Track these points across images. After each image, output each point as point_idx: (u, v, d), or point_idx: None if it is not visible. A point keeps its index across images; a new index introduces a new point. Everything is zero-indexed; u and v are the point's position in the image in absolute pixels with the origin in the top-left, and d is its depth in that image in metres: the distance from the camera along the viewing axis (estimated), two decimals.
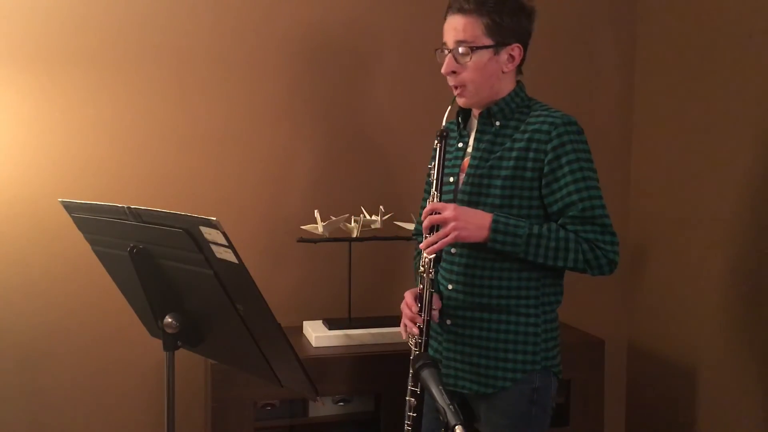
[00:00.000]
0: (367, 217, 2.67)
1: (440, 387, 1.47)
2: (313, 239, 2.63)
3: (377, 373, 2.47)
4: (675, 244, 3.01)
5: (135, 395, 2.74)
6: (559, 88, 3.14)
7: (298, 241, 2.65)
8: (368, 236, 2.68)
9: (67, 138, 2.64)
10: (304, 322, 2.76)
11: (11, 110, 2.58)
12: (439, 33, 1.99)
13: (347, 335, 2.60)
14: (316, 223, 2.62)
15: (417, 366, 1.54)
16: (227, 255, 1.49)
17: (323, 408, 2.58)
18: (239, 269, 1.49)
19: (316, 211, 2.64)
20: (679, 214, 2.98)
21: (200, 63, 2.75)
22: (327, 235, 2.62)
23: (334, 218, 2.64)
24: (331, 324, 2.65)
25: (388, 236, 2.70)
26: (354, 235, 2.66)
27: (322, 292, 2.87)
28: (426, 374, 1.52)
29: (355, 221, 2.66)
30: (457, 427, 1.38)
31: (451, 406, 1.42)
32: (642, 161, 3.20)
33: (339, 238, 2.66)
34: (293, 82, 2.85)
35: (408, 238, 2.65)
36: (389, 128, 2.96)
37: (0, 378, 2.62)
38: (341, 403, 2.60)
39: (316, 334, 2.59)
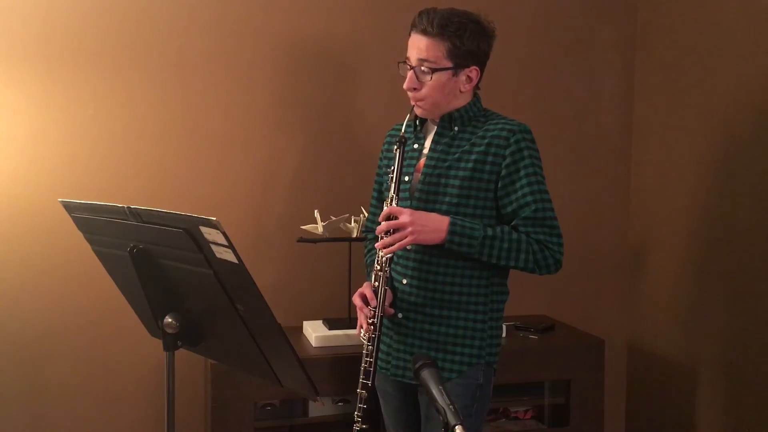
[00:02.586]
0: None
1: (440, 387, 1.47)
2: (313, 239, 2.63)
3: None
4: (675, 244, 3.01)
5: (135, 395, 2.74)
6: (559, 88, 3.14)
7: (298, 241, 2.65)
8: None
9: (67, 138, 2.64)
10: (304, 322, 2.76)
11: (11, 110, 2.58)
12: None
13: (347, 335, 2.60)
14: (316, 223, 2.62)
15: (417, 366, 1.54)
16: (227, 255, 1.49)
17: (323, 408, 2.58)
18: (239, 269, 1.49)
19: (316, 211, 2.64)
20: (679, 214, 2.98)
21: (200, 64, 2.75)
22: (327, 235, 2.63)
23: (334, 218, 2.64)
24: (331, 324, 2.65)
25: None
26: (354, 235, 2.66)
27: (322, 292, 2.87)
28: (426, 374, 1.52)
29: (355, 221, 2.66)
30: (457, 427, 1.38)
31: (451, 407, 1.42)
32: (642, 161, 3.20)
33: (339, 238, 2.66)
34: (293, 83, 2.85)
35: None
36: (389, 129, 2.96)
37: (0, 378, 2.62)
38: (341, 403, 2.60)
39: (316, 334, 2.59)
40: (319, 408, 2.58)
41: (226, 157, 2.80)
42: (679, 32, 2.98)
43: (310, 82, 2.87)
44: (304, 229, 2.65)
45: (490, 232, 1.98)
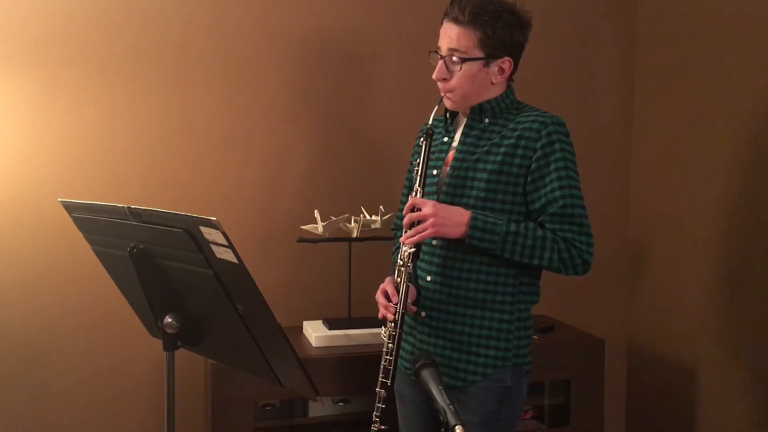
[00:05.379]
0: (367, 217, 2.67)
1: (440, 387, 1.47)
2: (313, 239, 2.63)
3: (377, 373, 2.47)
4: (675, 244, 3.01)
5: (135, 395, 2.74)
6: (559, 87, 3.14)
7: (298, 241, 2.65)
8: (368, 236, 2.68)
9: (67, 138, 2.64)
10: (304, 322, 2.76)
11: (11, 110, 2.58)
12: (435, 36, 2.00)
13: (347, 335, 2.60)
14: (316, 223, 2.62)
15: (417, 366, 1.54)
16: (227, 255, 1.49)
17: (323, 408, 2.58)
18: (239, 269, 1.49)
19: (316, 211, 2.64)
20: (679, 214, 2.98)
21: (200, 63, 2.75)
22: (327, 235, 2.63)
23: (334, 218, 2.64)
24: (331, 324, 2.65)
25: (388, 236, 2.69)
26: (354, 235, 2.66)
27: (322, 292, 2.87)
28: (426, 374, 1.52)
29: (355, 221, 2.66)
30: (457, 427, 1.38)
31: (451, 406, 1.42)
32: (642, 161, 3.20)
33: (339, 238, 2.66)
34: (293, 83, 2.85)
35: None
36: (389, 128, 2.96)
37: (0, 378, 2.62)
38: (341, 403, 2.60)
39: (316, 334, 2.59)
40: (319, 408, 2.58)
41: (226, 156, 2.80)
42: (679, 32, 2.98)
43: (311, 80, 2.87)
44: (304, 229, 2.65)
45: (513, 228, 1.89)
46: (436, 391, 1.46)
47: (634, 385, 3.26)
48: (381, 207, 2.67)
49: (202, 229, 1.49)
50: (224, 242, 1.47)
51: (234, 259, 1.48)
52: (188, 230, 1.52)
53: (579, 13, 3.14)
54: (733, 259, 2.74)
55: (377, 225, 2.66)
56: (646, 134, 3.18)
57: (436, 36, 2.00)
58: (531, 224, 1.93)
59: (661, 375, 3.09)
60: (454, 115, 2.08)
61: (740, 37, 2.69)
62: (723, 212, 2.77)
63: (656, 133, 3.12)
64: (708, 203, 2.84)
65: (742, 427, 2.71)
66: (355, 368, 2.51)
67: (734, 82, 2.71)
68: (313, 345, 2.59)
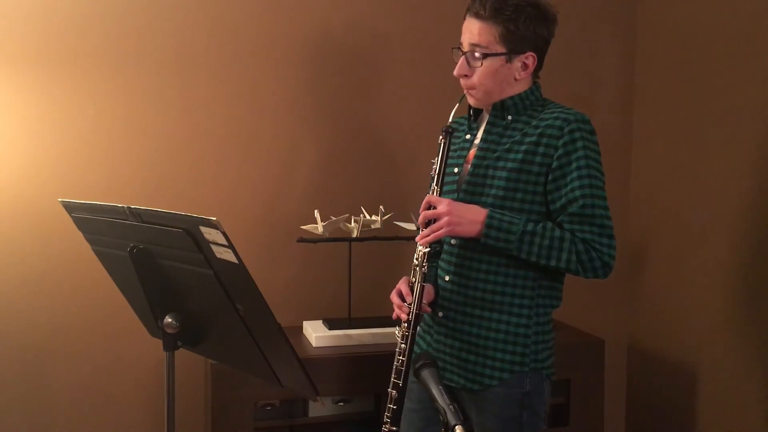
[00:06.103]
0: (367, 217, 2.67)
1: (440, 387, 1.47)
2: (313, 239, 2.63)
3: (377, 373, 2.46)
4: (675, 245, 3.01)
5: (135, 395, 2.74)
6: (558, 87, 3.12)
7: (298, 241, 2.65)
8: (368, 236, 2.68)
9: (67, 138, 2.64)
10: (304, 322, 2.76)
11: (11, 110, 2.58)
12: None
13: (347, 335, 2.60)
14: (316, 223, 2.62)
15: (417, 366, 1.54)
16: (227, 255, 1.49)
17: (323, 408, 2.58)
18: (239, 269, 1.49)
19: (316, 211, 2.64)
20: (680, 214, 2.98)
21: (201, 63, 2.75)
22: (327, 235, 2.63)
23: (334, 218, 2.64)
24: (331, 324, 2.65)
25: (388, 236, 2.70)
26: (354, 235, 2.66)
27: (322, 292, 2.87)
28: (426, 374, 1.52)
29: (355, 221, 2.66)
30: (457, 427, 1.38)
31: (451, 406, 1.42)
32: (642, 161, 3.20)
33: (339, 238, 2.66)
34: (294, 83, 2.85)
35: (408, 239, 2.66)
36: (389, 128, 2.96)
37: (0, 378, 2.62)
38: (341, 403, 2.60)
39: (316, 334, 2.59)
40: (319, 408, 2.57)
41: (226, 156, 2.80)
42: (679, 33, 2.98)
43: (311, 81, 2.87)
44: (304, 229, 2.65)
45: (530, 227, 1.84)
46: (436, 391, 1.47)
47: (634, 385, 3.26)
48: (381, 207, 2.67)
49: (202, 229, 1.49)
50: (224, 242, 1.47)
51: (234, 259, 1.48)
52: (188, 230, 1.52)
53: (579, 15, 3.14)
54: (733, 258, 2.73)
55: (377, 225, 2.66)
56: (646, 134, 3.18)
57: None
58: (549, 224, 1.87)
59: (661, 375, 3.09)
60: (478, 112, 2.04)
61: (740, 36, 2.68)
62: (723, 211, 2.77)
63: (656, 133, 3.12)
64: (708, 202, 2.84)
65: (742, 427, 2.71)
66: (355, 368, 2.51)
67: (735, 81, 2.71)
68: (313, 345, 2.59)
